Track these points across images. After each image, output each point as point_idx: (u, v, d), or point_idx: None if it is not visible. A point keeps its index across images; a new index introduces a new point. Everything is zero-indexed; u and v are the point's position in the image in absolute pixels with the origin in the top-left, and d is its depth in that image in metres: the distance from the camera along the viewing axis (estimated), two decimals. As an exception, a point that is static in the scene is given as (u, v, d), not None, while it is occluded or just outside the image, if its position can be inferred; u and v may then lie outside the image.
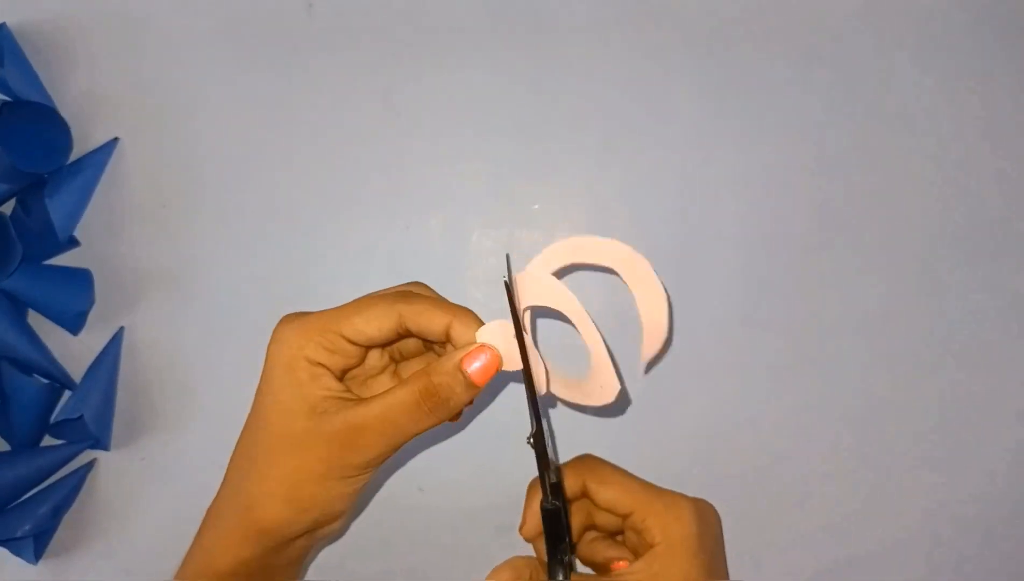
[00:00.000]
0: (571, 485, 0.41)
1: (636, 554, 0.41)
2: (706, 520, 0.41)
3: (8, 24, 0.49)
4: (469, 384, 0.35)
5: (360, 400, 0.36)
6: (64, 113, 0.50)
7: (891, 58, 0.48)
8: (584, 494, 0.42)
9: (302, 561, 0.41)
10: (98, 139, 0.50)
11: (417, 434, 0.36)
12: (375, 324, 0.35)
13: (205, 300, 0.49)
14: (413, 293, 0.36)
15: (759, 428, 0.48)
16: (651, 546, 0.40)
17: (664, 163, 0.48)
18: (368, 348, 0.37)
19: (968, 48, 0.48)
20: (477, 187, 0.49)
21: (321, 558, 0.48)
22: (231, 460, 0.38)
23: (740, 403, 0.48)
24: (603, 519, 0.43)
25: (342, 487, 0.36)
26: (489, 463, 0.48)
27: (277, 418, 0.36)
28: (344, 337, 0.35)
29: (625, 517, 0.41)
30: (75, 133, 0.50)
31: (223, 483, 0.38)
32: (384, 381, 0.40)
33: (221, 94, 0.50)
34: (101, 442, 0.49)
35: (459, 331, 0.35)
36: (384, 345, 0.39)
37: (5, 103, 0.46)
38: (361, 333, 0.35)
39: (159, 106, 0.50)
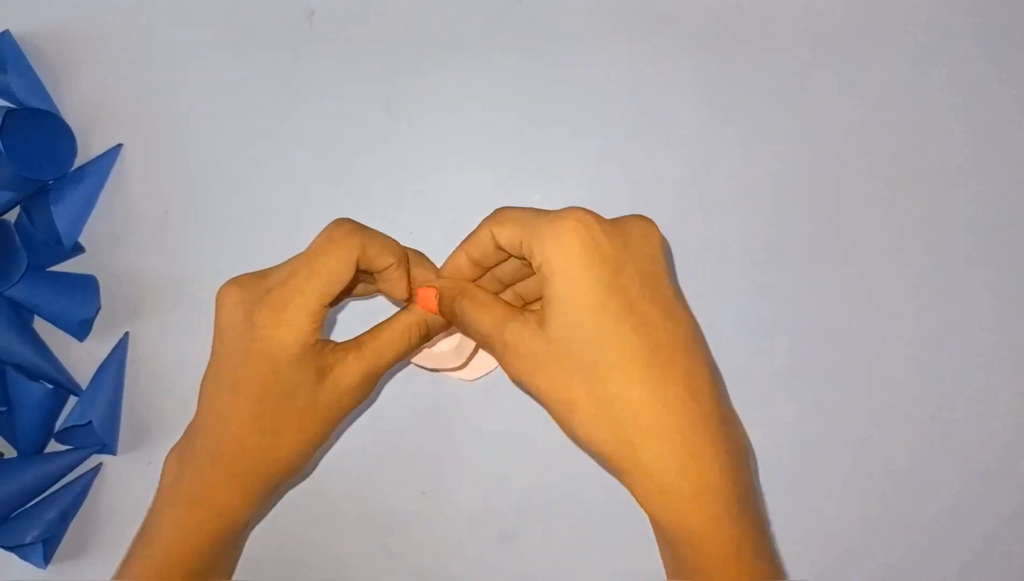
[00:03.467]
0: (483, 241, 0.37)
1: None
2: (615, 228, 0.34)
3: (12, 32, 0.50)
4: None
5: (357, 345, 0.39)
6: (68, 120, 0.50)
7: (893, 63, 0.48)
8: (497, 246, 0.37)
9: None
10: (101, 146, 0.50)
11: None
12: (345, 282, 0.37)
13: (209, 305, 0.48)
14: (366, 242, 0.39)
15: (763, 433, 0.48)
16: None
17: (665, 169, 0.48)
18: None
19: (970, 51, 0.48)
20: (479, 194, 0.49)
21: (323, 562, 0.48)
22: (230, 427, 0.39)
23: (742, 408, 0.48)
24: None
25: (340, 425, 0.40)
26: (491, 468, 0.48)
27: (296, 391, 0.37)
28: (327, 305, 0.38)
29: (523, 257, 0.36)
30: (78, 140, 0.50)
31: (222, 450, 0.39)
32: None
33: (223, 101, 0.50)
34: (108, 447, 0.49)
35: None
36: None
37: (10, 110, 0.46)
38: (333, 294, 0.38)
39: (162, 113, 0.50)
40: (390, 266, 0.39)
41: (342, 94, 0.49)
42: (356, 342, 0.39)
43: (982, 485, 0.47)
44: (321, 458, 0.48)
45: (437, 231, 0.49)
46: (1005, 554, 0.47)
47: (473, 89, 0.49)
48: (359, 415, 0.48)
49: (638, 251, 0.34)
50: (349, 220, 0.39)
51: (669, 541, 0.34)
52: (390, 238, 0.40)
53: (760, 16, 0.49)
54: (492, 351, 0.37)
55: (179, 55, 0.50)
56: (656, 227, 0.35)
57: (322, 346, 0.38)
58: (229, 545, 0.42)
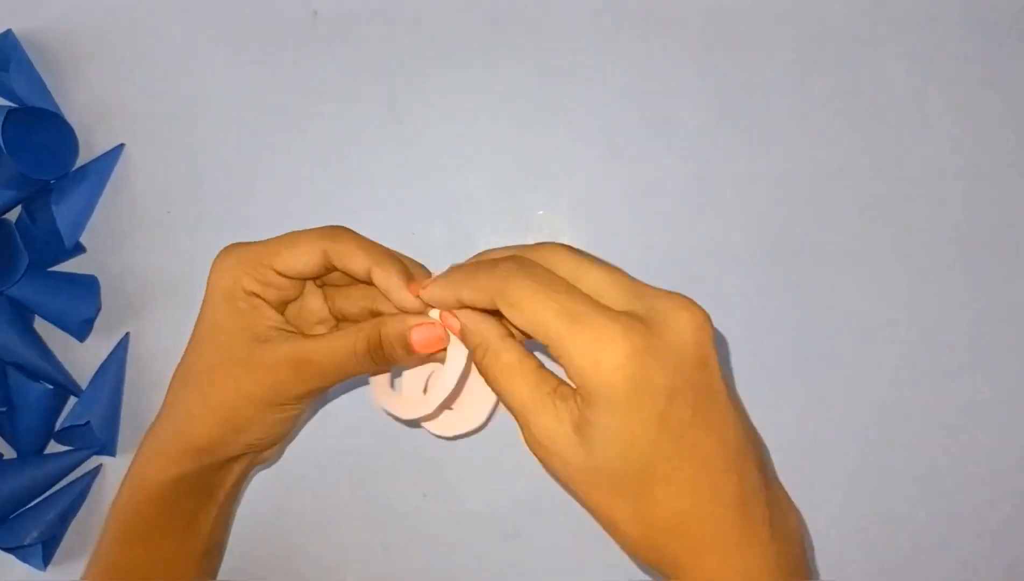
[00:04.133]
0: (480, 301, 0.33)
1: None
2: (662, 343, 0.30)
3: (14, 31, 0.50)
4: (410, 349, 0.36)
5: (306, 336, 0.38)
6: (69, 119, 0.50)
7: (893, 66, 0.48)
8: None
9: (239, 483, 0.43)
10: (103, 145, 0.50)
11: (355, 375, 0.38)
12: (303, 259, 0.37)
13: None
14: (339, 231, 0.37)
15: (762, 432, 0.48)
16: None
17: (667, 169, 0.49)
18: (301, 280, 0.39)
19: (969, 54, 0.48)
20: (482, 194, 0.49)
21: (325, 561, 0.48)
22: (171, 382, 0.40)
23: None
24: None
25: (278, 414, 0.38)
26: (491, 468, 0.48)
27: (220, 342, 0.38)
28: (276, 270, 0.37)
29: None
30: (80, 139, 0.50)
31: (163, 405, 0.40)
32: (318, 311, 0.41)
33: (226, 101, 0.50)
34: (107, 448, 0.49)
35: (379, 276, 0.36)
36: (314, 278, 0.40)
37: (11, 110, 0.46)
38: (291, 267, 0.37)
39: (164, 112, 0.50)
40: (371, 268, 0.36)
41: (345, 94, 0.49)
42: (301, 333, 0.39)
43: (983, 484, 0.47)
44: (286, 440, 0.46)
45: (440, 230, 0.49)
46: (1006, 554, 0.47)
47: (476, 89, 0.49)
48: (359, 416, 0.48)
49: (690, 365, 0.30)
50: (343, 227, 0.38)
51: None
52: (370, 242, 0.38)
53: (760, 18, 0.49)
54: (518, 426, 0.33)
55: (181, 55, 0.50)
56: (706, 320, 0.31)
57: (259, 305, 0.37)
58: (156, 506, 0.39)
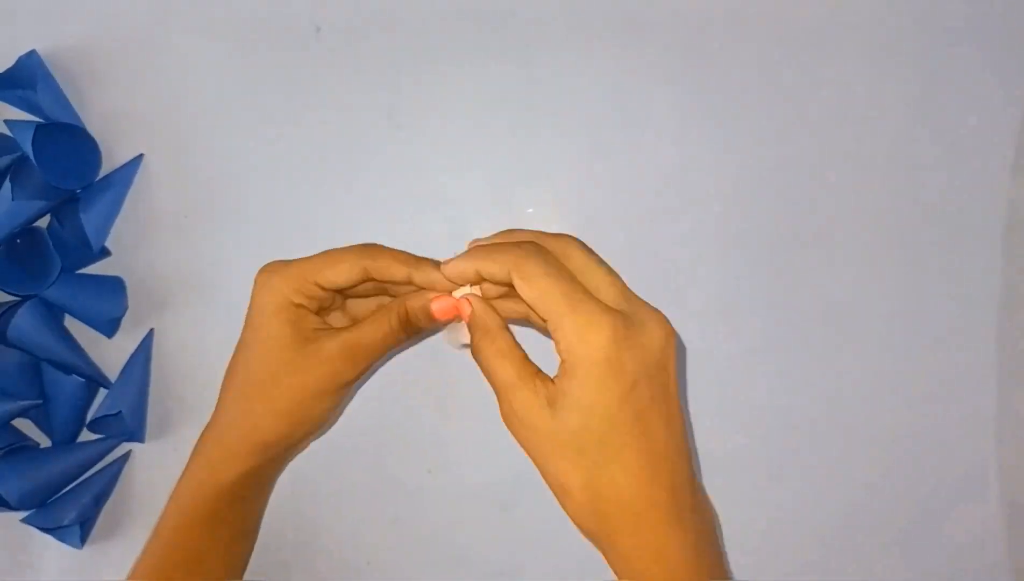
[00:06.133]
0: (497, 273, 0.38)
1: None
2: (637, 340, 0.36)
3: (38, 50, 0.53)
4: (430, 316, 0.41)
5: (347, 328, 0.43)
6: (92, 132, 0.53)
7: (857, 62, 0.51)
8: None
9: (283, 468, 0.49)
10: (124, 156, 0.53)
11: (392, 349, 0.43)
12: (344, 276, 0.42)
13: (227, 302, 0.52)
14: (374, 249, 0.43)
15: (739, 412, 0.51)
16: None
17: (647, 166, 0.52)
18: (339, 292, 0.44)
19: (919, 56, 0.51)
20: (476, 194, 0.52)
21: (339, 533, 0.52)
22: (224, 391, 0.44)
23: (719, 388, 0.51)
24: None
25: (333, 401, 0.44)
26: (488, 447, 0.51)
27: (273, 350, 0.42)
28: (318, 285, 0.42)
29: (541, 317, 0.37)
30: (102, 151, 0.53)
31: (218, 412, 0.45)
32: (338, 316, 0.46)
33: (237, 111, 0.53)
34: (136, 435, 0.52)
35: (419, 277, 0.41)
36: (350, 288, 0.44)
37: (39, 125, 0.49)
38: (332, 282, 0.42)
39: (180, 124, 0.53)
40: (410, 273, 0.41)
41: (347, 101, 0.52)
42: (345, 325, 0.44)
43: (953, 467, 0.51)
44: (331, 425, 0.51)
45: (438, 228, 0.52)
46: (977, 536, 0.51)
47: (469, 97, 0.52)
48: (368, 401, 0.52)
49: (654, 363, 0.36)
50: (376, 244, 0.43)
51: None
52: (402, 252, 0.43)
53: (731, 21, 0.51)
54: (498, 402, 0.39)
55: (194, 69, 0.53)
56: (673, 335, 0.37)
57: (305, 314, 0.42)
58: (222, 500, 0.44)
